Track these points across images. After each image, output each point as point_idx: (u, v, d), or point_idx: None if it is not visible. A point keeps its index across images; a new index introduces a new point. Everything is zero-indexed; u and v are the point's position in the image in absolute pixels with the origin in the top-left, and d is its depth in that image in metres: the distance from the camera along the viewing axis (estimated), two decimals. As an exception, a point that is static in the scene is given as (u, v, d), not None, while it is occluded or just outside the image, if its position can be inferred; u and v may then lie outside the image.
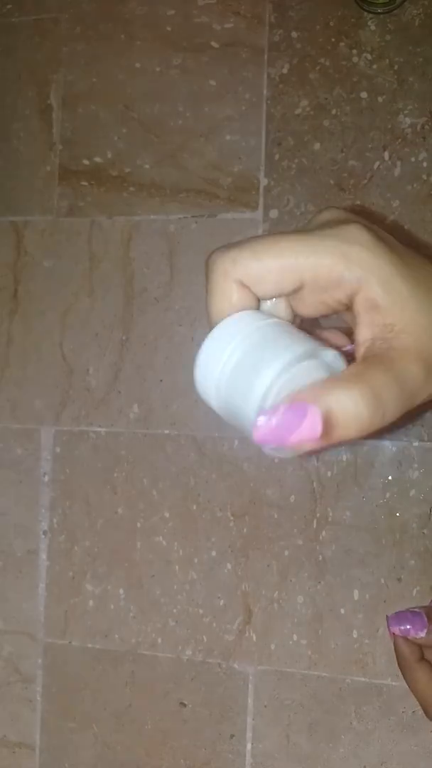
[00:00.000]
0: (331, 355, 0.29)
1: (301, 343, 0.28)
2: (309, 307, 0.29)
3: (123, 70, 0.91)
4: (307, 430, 0.23)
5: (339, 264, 0.26)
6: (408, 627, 0.47)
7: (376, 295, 0.26)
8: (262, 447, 0.28)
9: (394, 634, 0.48)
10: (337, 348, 0.31)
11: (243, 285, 0.28)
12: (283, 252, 0.26)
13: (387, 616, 0.49)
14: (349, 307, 0.28)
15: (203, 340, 0.29)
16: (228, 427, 0.87)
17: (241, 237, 0.90)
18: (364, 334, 0.28)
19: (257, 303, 0.30)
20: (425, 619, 0.47)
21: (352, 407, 0.25)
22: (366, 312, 0.27)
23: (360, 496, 0.81)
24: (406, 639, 0.47)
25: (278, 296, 0.29)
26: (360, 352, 0.29)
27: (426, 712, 0.46)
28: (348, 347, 0.31)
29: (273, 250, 0.27)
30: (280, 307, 0.31)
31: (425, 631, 0.47)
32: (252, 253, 0.27)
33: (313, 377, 0.27)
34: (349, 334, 0.31)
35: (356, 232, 0.27)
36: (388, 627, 0.49)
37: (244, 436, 0.29)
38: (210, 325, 0.30)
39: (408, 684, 0.47)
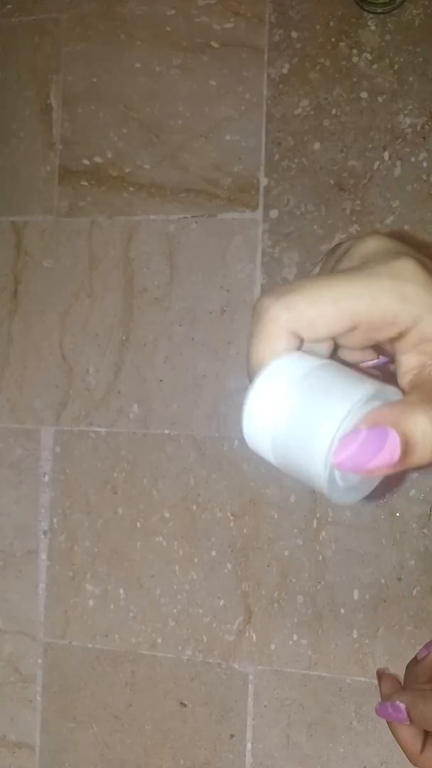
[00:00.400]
0: (392, 392, 0.27)
1: (363, 384, 0.26)
2: (355, 343, 0.28)
3: (123, 70, 0.91)
4: (387, 453, 0.23)
5: (395, 304, 0.26)
6: (390, 715, 0.48)
7: (430, 331, 0.26)
8: (332, 486, 0.26)
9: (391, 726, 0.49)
10: (363, 360, 0.31)
11: (293, 333, 0.27)
12: (339, 296, 0.25)
13: (375, 708, 0.50)
14: (395, 340, 0.28)
15: (247, 390, 0.27)
16: (228, 428, 0.87)
17: (240, 237, 0.90)
18: (411, 362, 0.27)
19: (301, 346, 0.28)
20: (405, 714, 0.47)
21: (430, 428, 0.24)
22: (417, 343, 0.27)
23: (360, 496, 0.81)
24: (410, 729, 0.48)
25: (328, 339, 0.28)
26: (407, 378, 0.28)
27: (409, 759, 0.48)
28: (377, 360, 0.31)
29: (329, 295, 0.26)
30: (322, 343, 0.29)
31: (407, 722, 0.48)
32: (306, 298, 0.26)
33: None
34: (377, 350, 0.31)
35: (410, 269, 0.26)
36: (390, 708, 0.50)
37: (306, 485, 0.28)
38: (249, 370, 0.28)
39: (391, 731, 0.48)
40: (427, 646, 0.54)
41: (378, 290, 0.25)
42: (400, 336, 0.27)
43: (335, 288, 0.26)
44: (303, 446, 0.26)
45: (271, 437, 0.27)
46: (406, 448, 0.24)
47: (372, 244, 0.28)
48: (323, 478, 0.26)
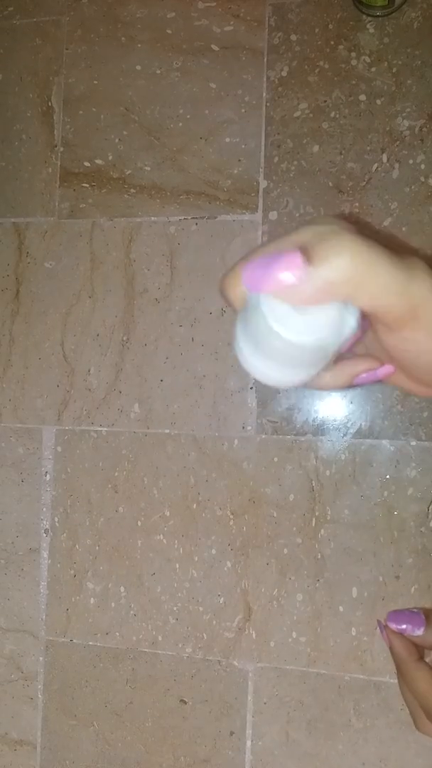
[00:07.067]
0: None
1: None
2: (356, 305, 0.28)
3: (124, 73, 0.91)
4: (287, 262, 0.24)
5: (402, 305, 0.26)
6: (405, 626, 0.46)
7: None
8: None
9: (388, 636, 0.47)
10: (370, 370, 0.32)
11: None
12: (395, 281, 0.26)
13: (387, 615, 0.48)
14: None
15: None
16: (228, 427, 0.87)
17: (240, 238, 0.91)
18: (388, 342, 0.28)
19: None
20: (423, 618, 0.46)
21: (335, 242, 0.25)
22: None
23: (358, 494, 0.82)
24: (403, 639, 0.46)
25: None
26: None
27: (427, 715, 0.44)
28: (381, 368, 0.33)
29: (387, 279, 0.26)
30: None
31: (423, 629, 0.46)
32: (377, 262, 0.26)
33: None
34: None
35: (423, 267, 0.27)
36: (386, 624, 0.48)
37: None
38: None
39: (406, 685, 0.45)
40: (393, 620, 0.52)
41: (409, 280, 0.25)
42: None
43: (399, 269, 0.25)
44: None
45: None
46: (306, 255, 0.25)
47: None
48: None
